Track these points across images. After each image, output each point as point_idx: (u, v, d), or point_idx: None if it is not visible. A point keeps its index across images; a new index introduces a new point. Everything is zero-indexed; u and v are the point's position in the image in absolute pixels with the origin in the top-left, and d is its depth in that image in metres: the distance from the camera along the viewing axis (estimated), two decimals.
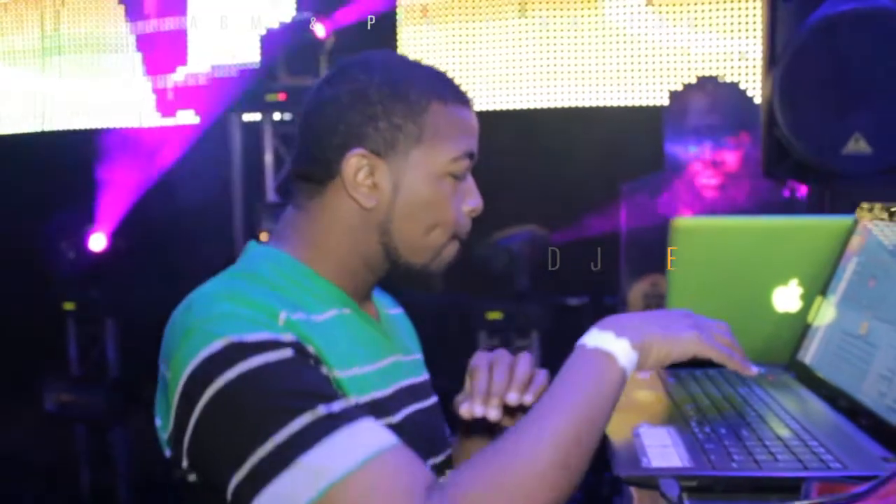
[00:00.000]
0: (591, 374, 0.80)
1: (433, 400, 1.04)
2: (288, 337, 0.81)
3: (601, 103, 4.17)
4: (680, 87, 4.12)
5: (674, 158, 3.99)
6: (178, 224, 4.16)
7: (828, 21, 2.15)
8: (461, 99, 0.95)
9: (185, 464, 0.83)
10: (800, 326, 1.15)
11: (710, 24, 4.13)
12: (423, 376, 1.05)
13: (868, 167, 2.19)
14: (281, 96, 3.68)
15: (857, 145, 2.16)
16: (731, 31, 4.12)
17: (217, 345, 0.79)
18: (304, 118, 0.96)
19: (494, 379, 0.90)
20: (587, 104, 4.17)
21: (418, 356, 1.09)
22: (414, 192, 0.91)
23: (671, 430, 0.85)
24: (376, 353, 0.95)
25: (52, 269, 4.19)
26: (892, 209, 1.02)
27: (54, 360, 4.32)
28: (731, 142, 3.91)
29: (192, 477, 0.84)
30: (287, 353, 0.80)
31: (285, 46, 3.69)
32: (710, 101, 4.09)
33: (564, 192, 3.81)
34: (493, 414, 0.88)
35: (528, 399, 0.89)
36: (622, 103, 4.17)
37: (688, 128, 4.07)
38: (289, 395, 0.76)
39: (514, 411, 0.94)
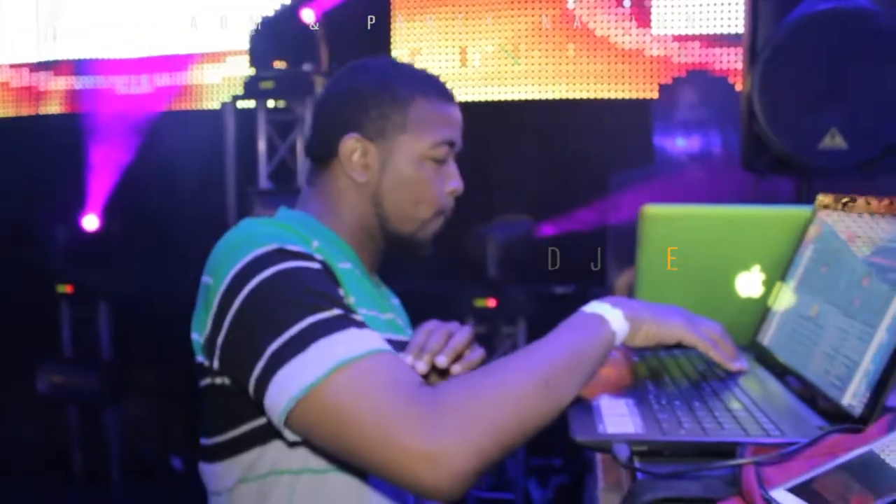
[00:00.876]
0: (583, 329, 0.90)
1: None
2: (318, 257, 0.96)
3: (592, 95, 4.23)
4: (669, 81, 4.19)
5: (662, 151, 4.06)
6: (172, 210, 4.21)
7: (807, 19, 2.21)
8: (444, 95, 1.13)
9: (216, 365, 0.94)
10: (761, 310, 1.21)
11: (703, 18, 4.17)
12: None
13: (843, 162, 2.26)
14: (273, 84, 3.73)
15: (833, 140, 2.22)
16: (723, 25, 4.17)
17: (263, 249, 0.92)
18: (315, 109, 1.17)
19: (430, 339, 0.99)
20: (578, 96, 4.23)
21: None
22: (399, 171, 1.10)
23: (629, 401, 0.92)
24: (381, 307, 1.12)
25: (46, 253, 4.23)
26: (846, 200, 1.09)
27: (48, 342, 4.37)
28: (719, 135, 3.98)
29: (219, 380, 0.96)
30: (317, 265, 0.94)
31: (276, 34, 3.73)
32: (699, 96, 4.15)
33: (554, 184, 3.87)
34: (420, 366, 0.96)
35: (456, 369, 0.98)
36: (613, 96, 4.22)
37: (677, 121, 4.13)
38: (312, 294, 0.89)
39: (444, 374, 1.02)
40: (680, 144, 4.08)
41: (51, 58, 4.78)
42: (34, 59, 4.82)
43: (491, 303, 3.52)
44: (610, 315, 0.92)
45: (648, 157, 3.93)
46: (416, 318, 1.24)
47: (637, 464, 0.77)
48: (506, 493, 3.87)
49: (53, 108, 4.82)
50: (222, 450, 1.00)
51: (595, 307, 0.93)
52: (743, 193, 3.52)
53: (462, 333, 1.02)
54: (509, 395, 0.80)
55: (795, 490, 0.64)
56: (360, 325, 0.89)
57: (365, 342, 0.85)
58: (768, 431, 0.81)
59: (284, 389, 0.83)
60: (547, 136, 3.99)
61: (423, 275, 2.83)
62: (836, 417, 0.84)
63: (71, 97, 4.78)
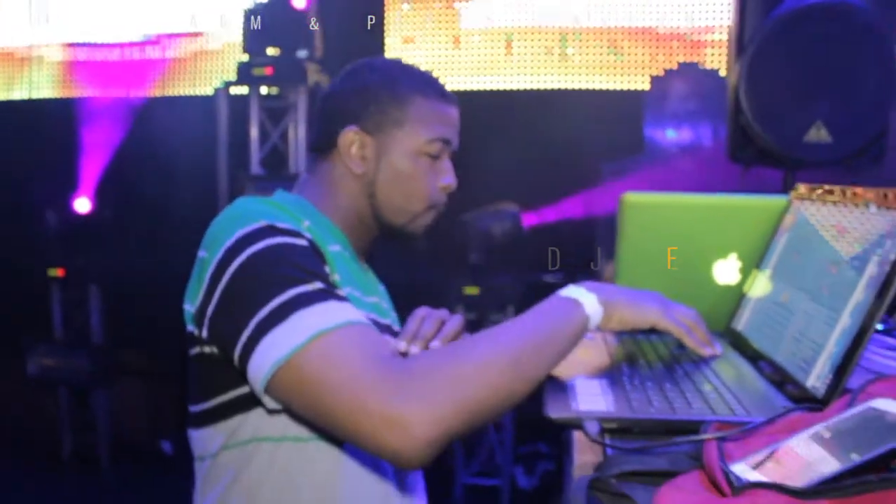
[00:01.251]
0: (556, 312, 0.92)
1: None
2: (307, 235, 1.00)
3: (585, 86, 4.25)
4: (661, 73, 4.21)
5: (653, 142, 4.09)
6: (164, 194, 4.22)
7: (794, 13, 2.23)
8: (443, 96, 1.18)
9: (204, 335, 0.98)
10: (737, 297, 1.24)
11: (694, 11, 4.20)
12: (396, 330, 1.20)
13: (828, 155, 2.29)
14: (267, 70, 3.73)
15: (818, 134, 2.26)
16: (715, 18, 4.19)
17: (254, 226, 0.97)
18: (319, 103, 1.21)
19: (424, 326, 1.02)
20: (571, 87, 4.25)
21: (394, 321, 1.25)
22: (394, 164, 1.15)
23: (603, 382, 0.95)
24: (366, 289, 1.16)
25: (37, 235, 4.24)
26: (819, 191, 1.12)
27: (38, 325, 4.38)
28: (709, 127, 4.00)
29: (208, 349, 1.00)
30: (304, 242, 0.98)
31: (271, 20, 3.74)
32: (690, 88, 4.18)
33: (546, 173, 3.89)
34: (414, 350, 0.99)
35: (434, 344, 1.01)
36: (606, 87, 4.25)
37: (668, 113, 4.16)
38: (295, 268, 0.92)
39: None
40: (670, 136, 4.11)
41: (43, 42, 4.77)
42: (27, 42, 4.82)
43: (477, 290, 3.55)
44: (584, 299, 0.94)
45: (639, 147, 3.96)
46: (404, 306, 1.28)
47: (607, 440, 0.80)
48: (493, 480, 3.92)
49: (46, 90, 4.81)
50: (207, 416, 1.04)
51: (571, 291, 0.96)
52: (731, 184, 3.56)
53: (454, 321, 1.05)
54: (477, 369, 0.82)
55: (753, 464, 0.67)
56: (341, 298, 0.93)
57: (343, 314, 0.89)
58: (734, 411, 0.84)
59: (266, 357, 0.87)
60: (538, 125, 4.01)
61: (413, 262, 2.86)
62: (802, 399, 0.87)
63: (63, 79, 4.78)
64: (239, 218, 0.99)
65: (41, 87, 4.81)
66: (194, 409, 1.07)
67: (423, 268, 3.46)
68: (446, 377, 0.81)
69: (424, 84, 1.17)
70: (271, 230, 0.97)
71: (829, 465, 0.63)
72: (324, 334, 0.85)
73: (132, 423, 4.54)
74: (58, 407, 4.41)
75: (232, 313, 0.93)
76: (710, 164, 3.71)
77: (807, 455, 0.66)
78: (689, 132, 4.08)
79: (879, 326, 1.23)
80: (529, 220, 3.79)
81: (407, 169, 1.15)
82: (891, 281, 0.81)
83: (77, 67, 4.72)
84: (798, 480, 0.62)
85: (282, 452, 1.02)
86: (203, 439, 1.06)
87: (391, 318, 1.24)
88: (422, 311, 1.07)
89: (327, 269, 1.00)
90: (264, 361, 0.87)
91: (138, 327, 4.11)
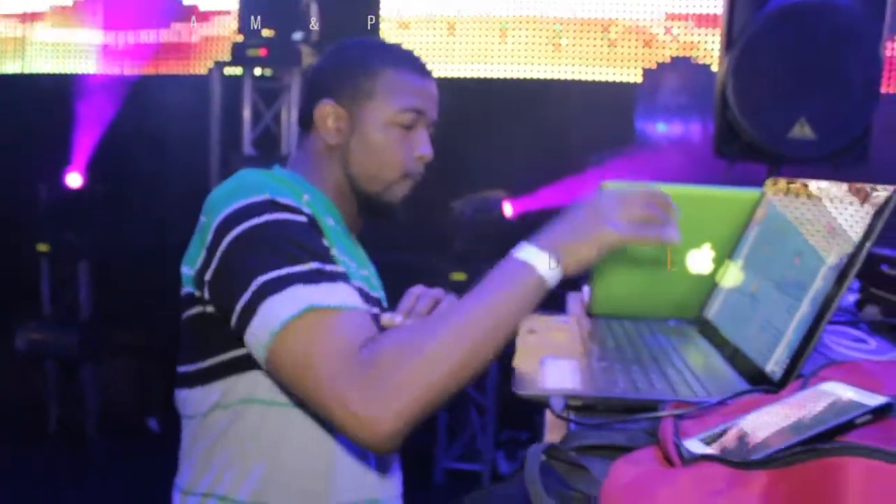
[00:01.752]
0: (510, 281, 0.93)
1: None
2: (307, 210, 1.04)
3: (578, 77, 4.27)
4: (654, 66, 4.24)
5: (643, 134, 4.12)
6: (156, 172, 4.23)
7: (783, 11, 2.27)
8: (416, 69, 1.22)
9: (205, 295, 1.02)
10: (710, 286, 1.27)
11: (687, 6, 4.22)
12: (385, 305, 1.25)
13: (811, 152, 2.33)
14: (262, 52, 3.74)
15: (802, 130, 2.29)
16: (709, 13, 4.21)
17: (257, 198, 1.01)
18: (304, 83, 1.23)
19: (419, 303, 1.05)
20: (564, 77, 4.27)
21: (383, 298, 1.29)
22: (365, 135, 1.19)
23: (572, 362, 0.98)
24: (359, 263, 1.20)
25: (28, 210, 4.24)
26: (791, 184, 1.15)
27: (27, 300, 4.39)
28: (698, 122, 4.04)
29: (209, 308, 1.04)
30: (304, 219, 1.02)
31: (265, 1, 3.74)
32: (681, 82, 4.21)
33: (535, 162, 3.92)
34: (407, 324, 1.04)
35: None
36: (599, 78, 4.27)
37: (659, 106, 4.19)
38: (296, 246, 0.96)
39: None
40: (660, 129, 4.15)
41: (38, 9, 4.76)
42: (20, 10, 4.80)
43: (465, 276, 3.58)
44: (536, 260, 0.94)
45: (629, 139, 3.99)
46: (393, 289, 1.31)
47: (571, 416, 0.83)
48: (474, 465, 3.97)
49: (39, 63, 4.80)
50: (201, 376, 1.08)
51: (525, 253, 0.95)
52: (716, 180, 3.58)
53: (448, 300, 1.11)
54: (437, 361, 0.86)
55: (706, 440, 0.71)
56: (335, 279, 0.96)
57: (334, 296, 0.93)
58: (695, 392, 0.87)
59: (262, 328, 0.92)
60: (530, 114, 4.03)
61: (400, 247, 2.88)
62: (761, 382, 0.91)
63: (58, 52, 4.77)
64: (241, 188, 1.03)
65: (35, 61, 4.80)
66: (187, 369, 1.11)
67: (411, 253, 3.49)
68: (407, 377, 0.85)
69: (397, 57, 1.22)
70: (272, 205, 1.00)
71: (775, 441, 0.66)
72: (316, 310, 0.90)
73: (119, 398, 4.57)
74: (45, 382, 4.43)
75: (230, 282, 0.97)
76: (697, 158, 3.74)
77: (756, 432, 0.69)
78: (678, 126, 4.12)
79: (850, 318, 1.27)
80: (517, 207, 3.82)
81: (379, 139, 1.19)
82: (848, 270, 0.85)
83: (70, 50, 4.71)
84: (745, 455, 0.65)
85: (271, 415, 1.06)
86: (195, 399, 1.10)
87: (380, 294, 1.27)
88: (417, 290, 1.12)
89: (326, 242, 1.04)
90: (261, 330, 0.92)
91: (128, 303, 4.14)
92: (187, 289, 1.07)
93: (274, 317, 0.90)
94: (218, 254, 0.99)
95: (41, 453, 4.18)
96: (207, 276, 1.01)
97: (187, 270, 1.06)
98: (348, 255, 1.16)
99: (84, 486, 3.81)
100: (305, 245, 0.97)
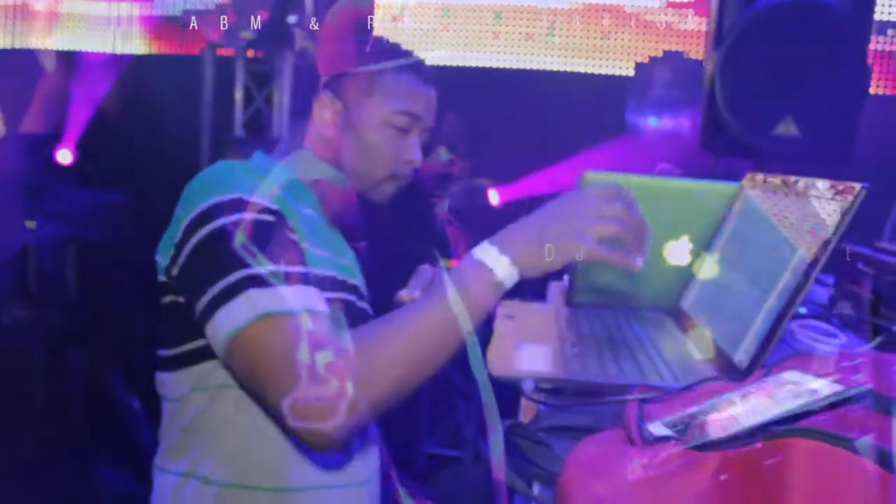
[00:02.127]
0: (467, 286, 0.92)
1: (367, 308, 1.22)
2: (276, 207, 1.05)
3: (571, 69, 4.28)
4: (646, 60, 4.25)
5: (634, 128, 4.14)
6: (146, 152, 4.22)
7: (771, 9, 2.28)
8: (418, 73, 1.24)
9: (176, 286, 1.05)
10: (687, 277, 1.30)
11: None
12: (364, 292, 1.25)
13: (795, 149, 2.35)
14: (254, 34, 3.73)
15: (787, 128, 2.31)
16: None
17: (226, 197, 1.02)
18: (304, 69, 1.25)
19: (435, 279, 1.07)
20: (556, 68, 4.28)
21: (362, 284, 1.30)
22: (359, 131, 1.22)
23: (547, 348, 1.00)
24: (339, 251, 1.20)
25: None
26: (768, 179, 1.17)
27: (12, 277, 4.38)
28: (689, 116, 4.06)
29: (181, 298, 1.06)
30: (271, 218, 1.03)
31: None
32: (673, 76, 4.23)
33: (525, 151, 3.93)
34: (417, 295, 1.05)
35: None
36: (591, 70, 4.28)
37: (650, 100, 4.21)
38: (255, 249, 0.98)
39: None
40: (651, 123, 4.16)
41: None
42: None
43: (454, 264, 3.60)
44: (496, 263, 0.92)
45: (620, 132, 4.01)
46: (385, 278, 1.33)
47: (541, 397, 0.85)
48: (457, 450, 3.99)
49: (34, 39, 4.77)
50: (177, 361, 1.11)
51: (483, 253, 0.93)
52: (703, 175, 3.60)
53: None
54: (385, 367, 0.89)
55: (668, 423, 0.73)
56: (291, 282, 0.98)
57: (287, 301, 0.94)
58: (664, 378, 0.90)
59: (217, 330, 0.95)
60: (522, 104, 4.04)
61: (389, 234, 2.89)
62: (728, 370, 0.93)
63: (51, 25, 4.74)
64: (214, 184, 1.05)
65: (26, 36, 4.77)
66: (165, 353, 1.13)
67: (401, 240, 3.50)
68: (358, 378, 0.87)
69: (400, 59, 1.24)
70: (240, 204, 1.02)
71: (733, 425, 0.69)
72: (271, 316, 0.91)
73: (104, 377, 4.57)
74: (30, 359, 4.43)
75: (195, 278, 0.99)
76: (685, 152, 3.76)
77: (716, 417, 0.72)
78: (669, 120, 4.14)
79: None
80: (505, 195, 3.84)
81: (371, 136, 1.21)
82: (815, 264, 0.87)
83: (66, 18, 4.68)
84: (704, 438, 0.68)
85: (246, 399, 1.08)
86: (173, 382, 1.12)
87: (359, 280, 1.29)
88: (427, 268, 1.13)
89: (294, 237, 1.06)
90: (217, 334, 0.95)
91: (113, 284, 4.13)
92: (161, 277, 1.09)
93: (228, 323, 0.93)
94: (184, 254, 1.02)
95: (24, 433, 4.18)
96: (174, 272, 1.04)
97: (161, 260, 1.09)
98: (325, 243, 1.17)
99: (67, 467, 3.82)
100: (266, 247, 0.99)
